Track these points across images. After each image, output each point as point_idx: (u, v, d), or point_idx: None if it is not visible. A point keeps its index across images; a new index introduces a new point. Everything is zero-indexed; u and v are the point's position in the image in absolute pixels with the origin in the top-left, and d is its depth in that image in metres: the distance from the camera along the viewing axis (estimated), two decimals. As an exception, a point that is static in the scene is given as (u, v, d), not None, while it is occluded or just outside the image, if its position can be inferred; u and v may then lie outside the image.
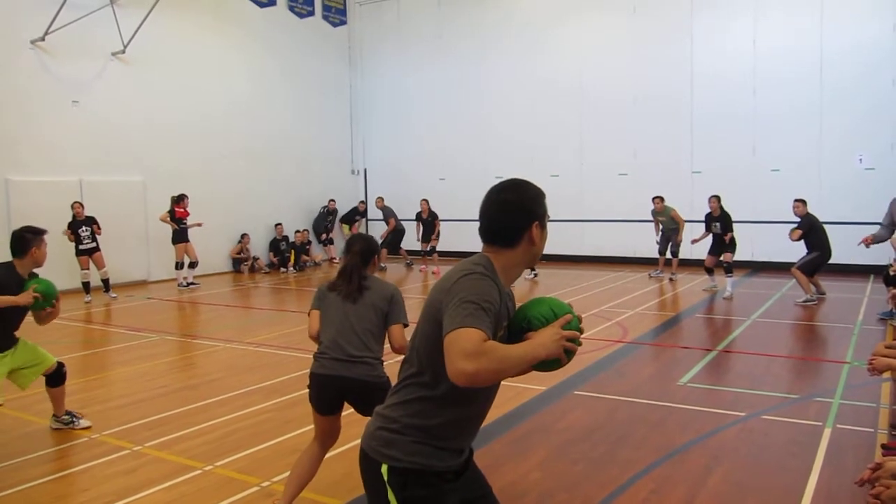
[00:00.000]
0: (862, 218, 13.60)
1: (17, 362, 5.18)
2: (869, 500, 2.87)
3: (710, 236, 12.58)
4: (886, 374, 5.03)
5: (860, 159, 14.12)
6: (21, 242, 5.03)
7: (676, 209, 14.13)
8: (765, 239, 14.42)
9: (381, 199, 18.00)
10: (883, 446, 4.72)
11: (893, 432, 4.94)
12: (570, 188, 17.01)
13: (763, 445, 5.03)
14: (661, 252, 14.40)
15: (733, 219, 12.40)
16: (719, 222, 12.27)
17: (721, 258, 12.07)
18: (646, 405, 5.90)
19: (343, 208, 19.57)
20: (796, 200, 11.37)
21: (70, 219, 12.55)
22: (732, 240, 12.10)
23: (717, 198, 12.40)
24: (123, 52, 14.35)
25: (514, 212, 2.26)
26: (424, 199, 16.42)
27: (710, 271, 12.49)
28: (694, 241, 13.62)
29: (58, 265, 12.69)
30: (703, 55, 15.53)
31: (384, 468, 2.18)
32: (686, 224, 14.14)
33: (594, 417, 5.65)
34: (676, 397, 6.12)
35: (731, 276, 11.95)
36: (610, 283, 13.53)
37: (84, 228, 12.59)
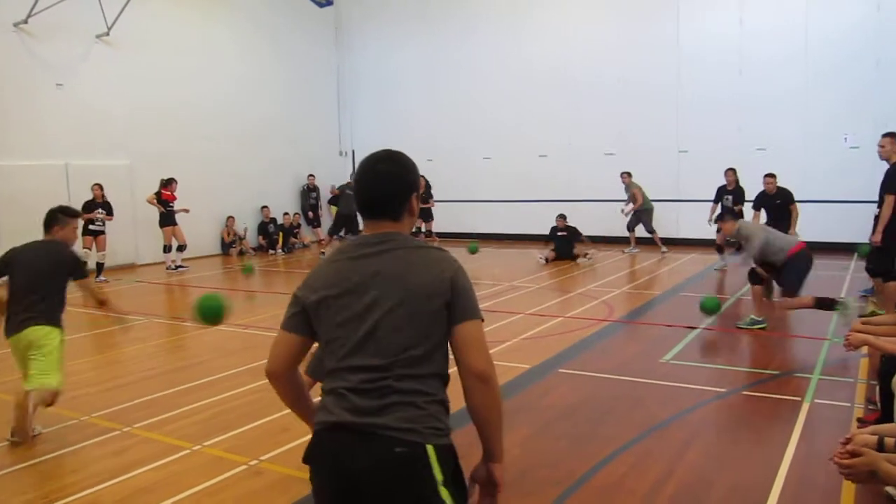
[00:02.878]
0: (847, 196, 13.74)
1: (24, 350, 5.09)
2: (840, 471, 2.96)
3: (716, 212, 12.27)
4: (864, 350, 5.14)
5: (845, 138, 14.21)
6: (50, 219, 5.38)
7: (641, 188, 14.40)
8: (750, 217, 14.57)
9: None
10: (859, 420, 4.85)
11: (870, 406, 5.06)
12: (558, 168, 17.06)
13: (742, 420, 5.14)
14: (630, 228, 14.63)
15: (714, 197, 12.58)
16: (732, 195, 12.25)
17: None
18: (629, 382, 6.00)
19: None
20: (769, 175, 11.21)
21: (88, 199, 12.86)
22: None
23: (734, 170, 12.38)
24: (108, 34, 14.24)
25: (398, 182, 2.16)
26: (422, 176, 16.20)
27: (720, 249, 12.53)
28: (710, 221, 12.44)
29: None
30: (689, 35, 15.56)
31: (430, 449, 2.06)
32: (669, 203, 14.38)
33: (578, 395, 5.74)
34: (659, 374, 6.22)
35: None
36: (598, 262, 13.62)
37: (100, 211, 12.83)
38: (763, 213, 11.62)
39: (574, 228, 14.39)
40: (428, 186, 16.09)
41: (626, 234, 15.10)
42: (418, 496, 2.02)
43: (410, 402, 2.06)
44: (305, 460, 2.15)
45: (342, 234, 15.96)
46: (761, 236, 7.68)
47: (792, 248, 7.63)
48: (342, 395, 2.07)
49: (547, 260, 13.88)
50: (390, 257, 2.10)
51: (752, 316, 7.87)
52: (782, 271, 7.68)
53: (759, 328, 7.74)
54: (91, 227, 12.72)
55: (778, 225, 10.79)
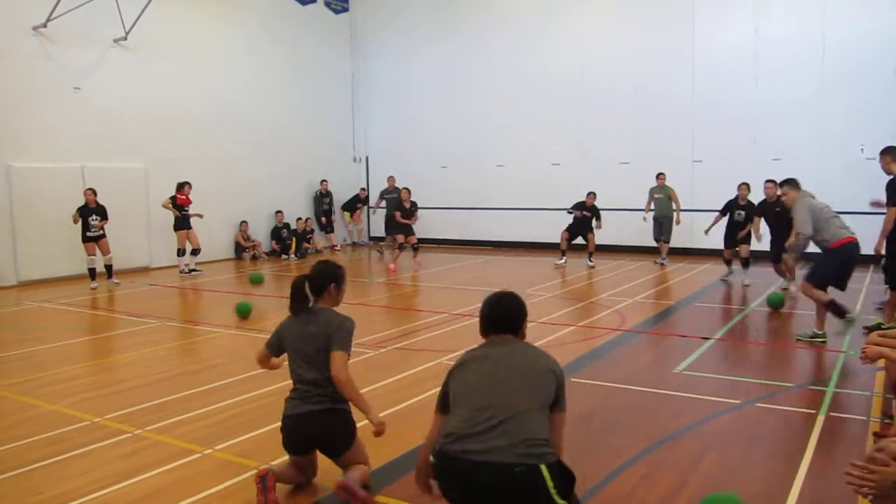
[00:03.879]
0: (863, 208, 13.56)
1: None
2: (859, 485, 2.74)
3: (724, 224, 12.28)
4: (880, 363, 5.08)
5: (861, 148, 14.10)
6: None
7: (675, 191, 14.42)
8: (765, 228, 14.43)
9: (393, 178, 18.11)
10: (875, 433, 4.78)
11: (886, 420, 4.99)
12: (571, 177, 17.00)
13: (756, 432, 5.08)
14: (657, 239, 14.62)
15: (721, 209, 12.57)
16: (744, 210, 12.00)
17: (740, 252, 11.96)
18: (641, 392, 5.96)
19: (345, 196, 19.61)
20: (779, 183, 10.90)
21: (81, 204, 12.67)
22: (749, 233, 11.89)
23: (747, 185, 12.05)
24: (125, 38, 14.36)
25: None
26: (406, 188, 15.50)
27: (728, 262, 12.35)
28: (707, 231, 13.00)
29: (64, 251, 12.82)
30: (704, 43, 15.51)
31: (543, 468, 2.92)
32: (683, 213, 14.36)
33: (589, 404, 5.70)
34: (672, 385, 6.17)
35: (747, 269, 11.94)
36: (609, 272, 13.57)
37: (94, 217, 12.70)
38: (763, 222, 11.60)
39: (597, 209, 14.60)
40: (413, 203, 15.21)
41: (639, 244, 15.06)
42: None
43: None
44: None
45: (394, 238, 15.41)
46: (814, 213, 7.48)
47: (838, 240, 7.41)
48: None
49: (563, 254, 14.39)
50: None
51: (815, 329, 7.67)
52: (821, 259, 7.61)
53: (820, 342, 7.55)
54: (88, 234, 12.63)
55: (780, 234, 10.82)
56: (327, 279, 4.17)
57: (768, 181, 11.14)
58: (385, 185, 18.32)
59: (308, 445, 4.08)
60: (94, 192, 12.74)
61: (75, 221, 12.50)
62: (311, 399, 3.97)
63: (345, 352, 3.93)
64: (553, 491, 2.88)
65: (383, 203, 18.32)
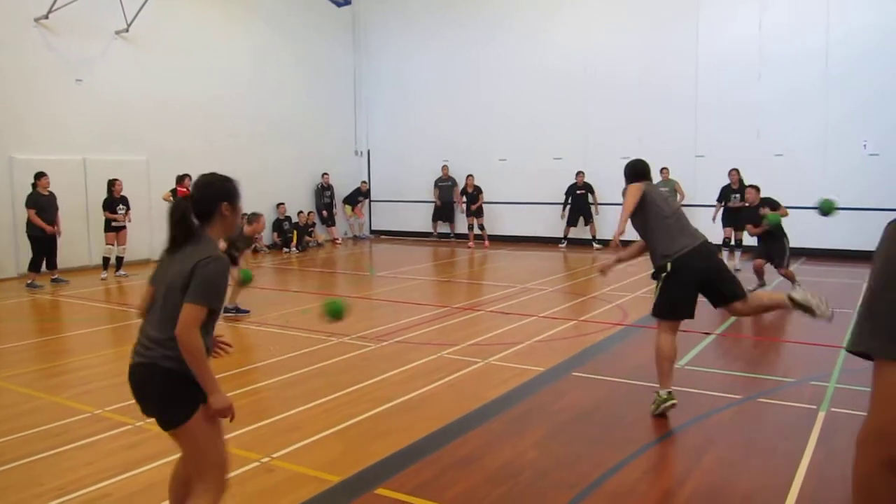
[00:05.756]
0: (866, 204, 13.60)
1: None
2: None
3: (720, 215, 13.09)
4: None
5: (865, 145, 14.07)
6: None
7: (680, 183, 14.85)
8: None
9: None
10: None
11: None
12: (573, 171, 16.96)
13: (757, 428, 5.08)
14: None
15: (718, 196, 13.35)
16: (739, 194, 12.54)
17: (735, 235, 12.85)
18: (643, 387, 5.95)
19: (346, 189, 19.59)
20: (751, 186, 11.21)
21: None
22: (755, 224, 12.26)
23: (737, 171, 12.98)
24: (127, 30, 14.33)
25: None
26: (470, 175, 17.71)
27: (727, 243, 13.03)
28: (714, 219, 13.38)
29: (66, 242, 12.81)
30: (708, 38, 15.46)
31: None
32: (685, 208, 14.29)
33: (591, 398, 5.70)
34: (673, 380, 6.15)
35: (738, 251, 12.86)
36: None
37: (121, 207, 12.93)
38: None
39: (590, 185, 16.28)
40: (476, 188, 17.76)
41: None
42: None
43: None
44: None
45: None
46: None
47: None
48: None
49: (566, 237, 16.00)
50: None
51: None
52: None
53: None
54: (114, 223, 12.82)
55: (736, 221, 12.46)
56: (217, 196, 3.12)
57: (732, 170, 12.96)
58: (439, 175, 18.88)
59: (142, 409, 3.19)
60: (120, 183, 13.04)
61: (108, 218, 12.80)
62: (141, 352, 3.06)
63: (197, 305, 2.91)
64: None
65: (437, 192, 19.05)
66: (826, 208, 8.93)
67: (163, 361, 2.95)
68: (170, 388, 2.99)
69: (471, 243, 17.40)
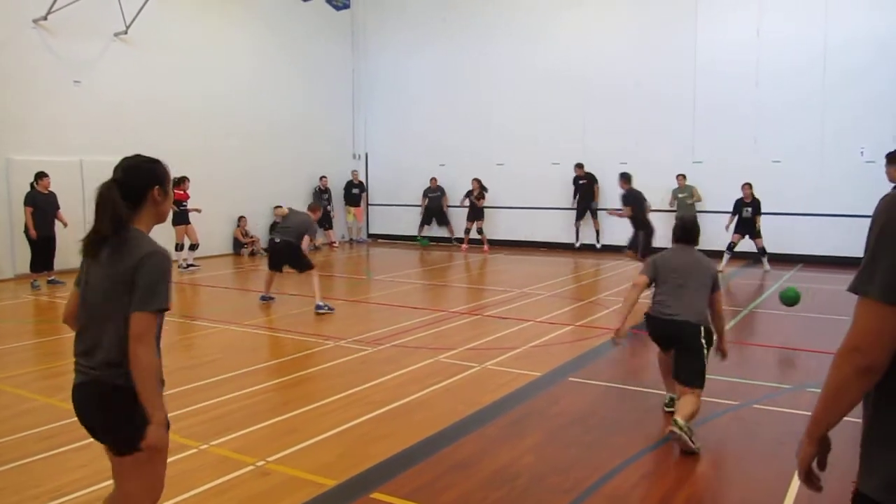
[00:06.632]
0: (863, 210, 13.59)
1: None
2: None
3: (735, 221, 13.53)
4: None
5: (862, 152, 14.10)
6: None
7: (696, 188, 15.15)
8: (765, 229, 14.43)
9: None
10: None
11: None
12: (571, 176, 16.98)
13: (753, 434, 5.08)
14: None
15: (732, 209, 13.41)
16: (752, 207, 13.26)
17: (755, 244, 13.38)
18: (639, 392, 5.96)
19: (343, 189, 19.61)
20: (622, 174, 12.56)
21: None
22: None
23: (749, 185, 13.36)
24: (125, 32, 14.32)
25: None
26: (476, 178, 17.45)
27: (731, 247, 13.47)
28: (727, 227, 13.81)
29: (62, 244, 12.78)
30: (706, 44, 15.48)
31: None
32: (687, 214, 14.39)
33: (588, 403, 5.70)
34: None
35: (765, 257, 13.38)
36: (610, 271, 13.57)
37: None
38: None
39: (592, 175, 16.50)
40: (482, 188, 17.49)
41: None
42: None
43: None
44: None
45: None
46: None
47: None
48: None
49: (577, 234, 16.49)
50: None
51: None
52: None
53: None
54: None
55: (747, 230, 13.26)
56: (148, 179, 2.79)
57: (745, 184, 13.38)
58: (428, 185, 18.84)
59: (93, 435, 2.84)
60: None
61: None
62: (82, 371, 2.74)
63: (149, 312, 2.62)
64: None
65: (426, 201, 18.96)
66: (790, 298, 8.98)
67: (118, 379, 2.65)
68: (130, 407, 2.64)
69: (464, 246, 17.43)
